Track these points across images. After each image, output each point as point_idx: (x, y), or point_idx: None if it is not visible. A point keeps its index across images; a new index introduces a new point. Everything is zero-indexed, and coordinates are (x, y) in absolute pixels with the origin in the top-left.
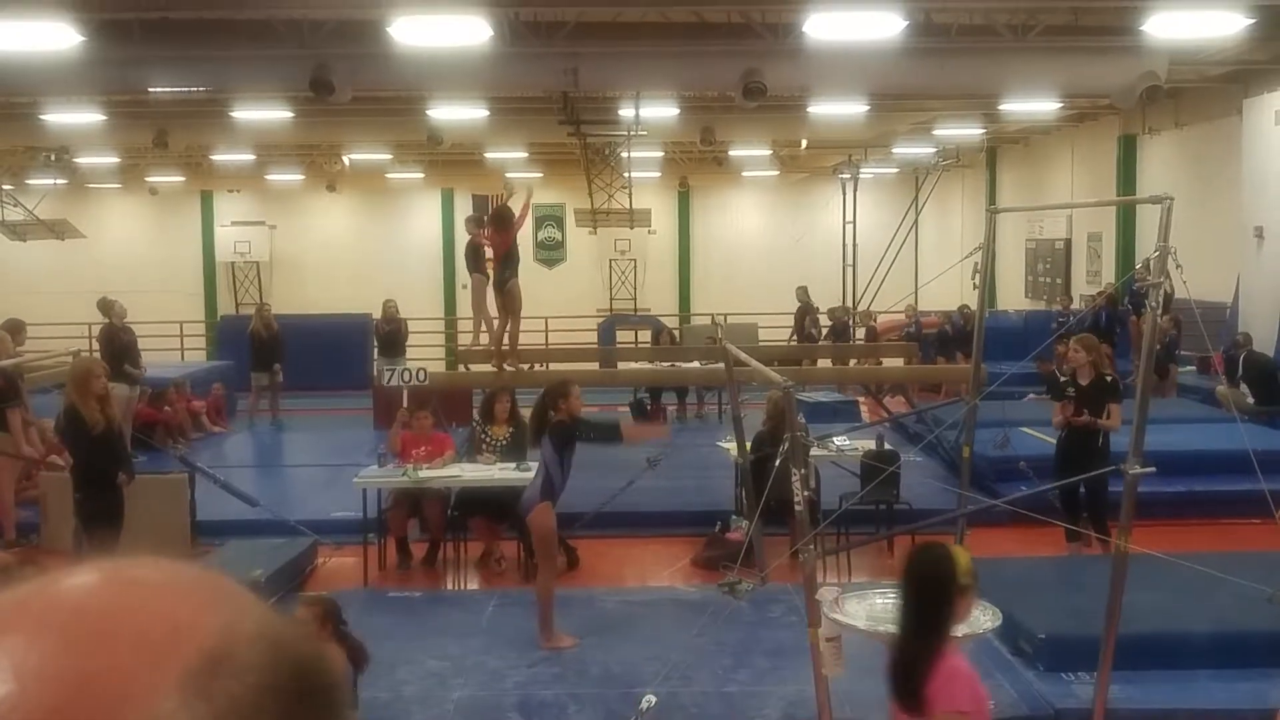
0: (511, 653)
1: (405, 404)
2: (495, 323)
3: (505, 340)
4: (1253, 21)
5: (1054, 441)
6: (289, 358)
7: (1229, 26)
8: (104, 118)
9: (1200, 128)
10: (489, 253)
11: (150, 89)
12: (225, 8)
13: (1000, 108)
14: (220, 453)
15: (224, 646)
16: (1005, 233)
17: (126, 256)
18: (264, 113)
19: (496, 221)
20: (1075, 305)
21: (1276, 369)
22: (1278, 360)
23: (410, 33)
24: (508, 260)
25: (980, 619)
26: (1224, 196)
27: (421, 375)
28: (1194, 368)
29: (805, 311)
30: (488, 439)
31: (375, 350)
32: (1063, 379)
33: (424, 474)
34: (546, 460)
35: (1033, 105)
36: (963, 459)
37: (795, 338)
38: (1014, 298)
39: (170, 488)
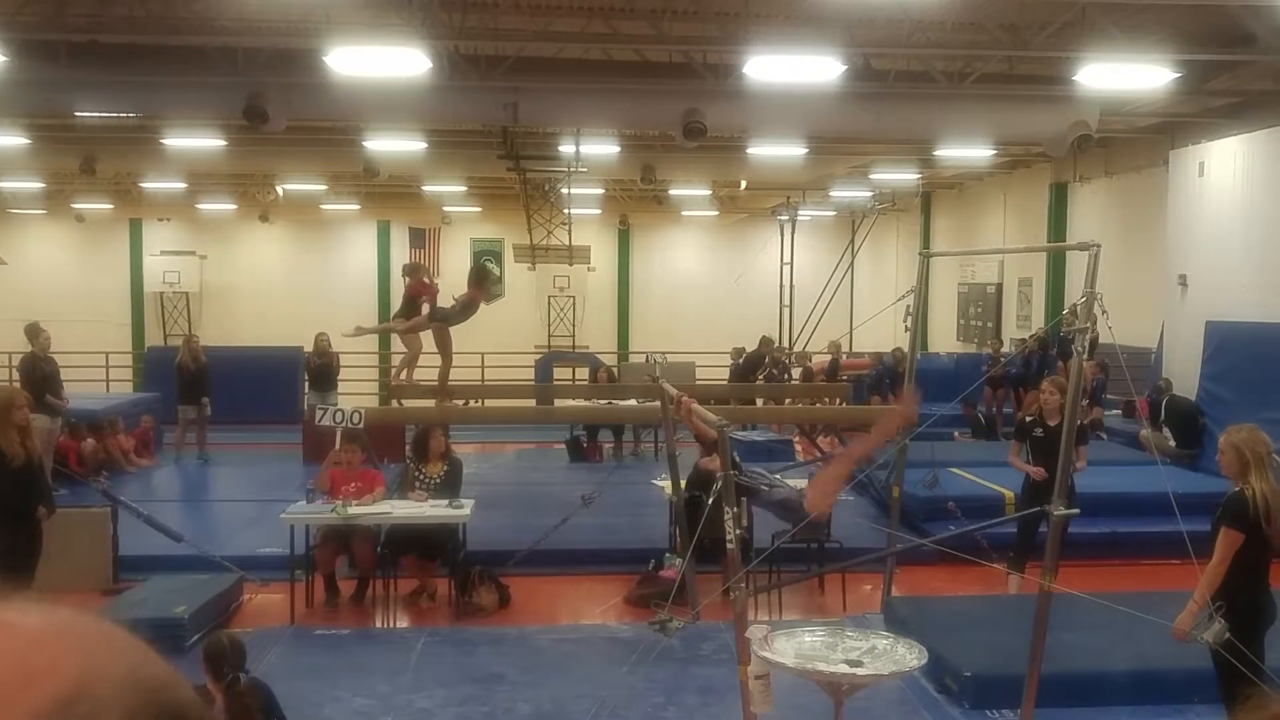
0: (441, 691)
1: (339, 444)
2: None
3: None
4: (1179, 76)
5: (981, 482)
6: (218, 390)
7: (1156, 79)
8: (28, 141)
9: (1129, 177)
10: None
11: (77, 113)
12: (157, 32)
13: (935, 153)
14: (145, 486)
15: (80, 691)
16: (938, 276)
17: (51, 285)
18: (196, 140)
19: (477, 278)
20: (1005, 349)
21: (1198, 413)
22: (1199, 405)
23: (347, 63)
24: (464, 311)
25: (906, 657)
26: (1150, 244)
27: (356, 417)
28: (1119, 411)
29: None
30: (421, 476)
31: (306, 384)
32: (1028, 419)
33: (354, 510)
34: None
35: (967, 151)
36: (892, 498)
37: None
38: (946, 340)
39: (92, 522)
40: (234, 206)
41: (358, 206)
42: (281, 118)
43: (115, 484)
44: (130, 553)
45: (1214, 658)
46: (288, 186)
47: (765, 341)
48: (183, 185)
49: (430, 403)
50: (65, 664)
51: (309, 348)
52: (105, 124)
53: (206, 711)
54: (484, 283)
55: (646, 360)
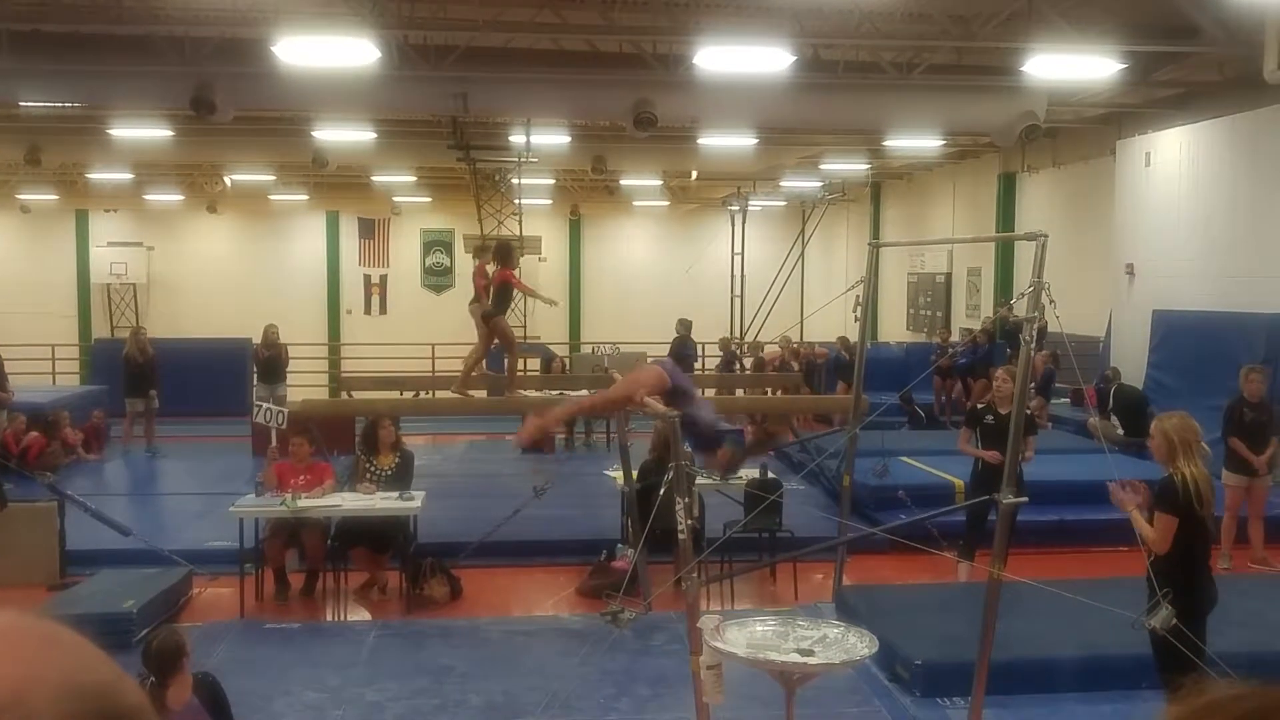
0: (392, 684)
1: (274, 442)
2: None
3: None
4: (1125, 67)
5: (931, 471)
6: (166, 383)
7: (1103, 70)
8: None
9: (1076, 167)
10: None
11: (21, 103)
12: (103, 22)
13: (885, 144)
14: (93, 480)
15: (13, 698)
16: (888, 266)
17: None
18: (143, 131)
19: (504, 257)
20: (954, 338)
21: (1145, 401)
22: (1146, 393)
23: (295, 53)
24: (503, 297)
25: (857, 645)
26: (1098, 234)
27: (280, 417)
28: (1067, 400)
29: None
30: (372, 468)
31: (255, 376)
32: (980, 406)
33: (303, 503)
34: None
35: (916, 142)
36: (843, 488)
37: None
38: (896, 330)
39: (39, 516)
40: (181, 197)
41: (306, 197)
42: (229, 108)
43: (62, 477)
44: (78, 547)
45: (1152, 643)
46: (236, 177)
47: (683, 324)
48: (129, 176)
49: (380, 394)
50: (3, 669)
51: (257, 339)
52: (50, 114)
53: (152, 716)
54: (509, 258)
55: (593, 351)
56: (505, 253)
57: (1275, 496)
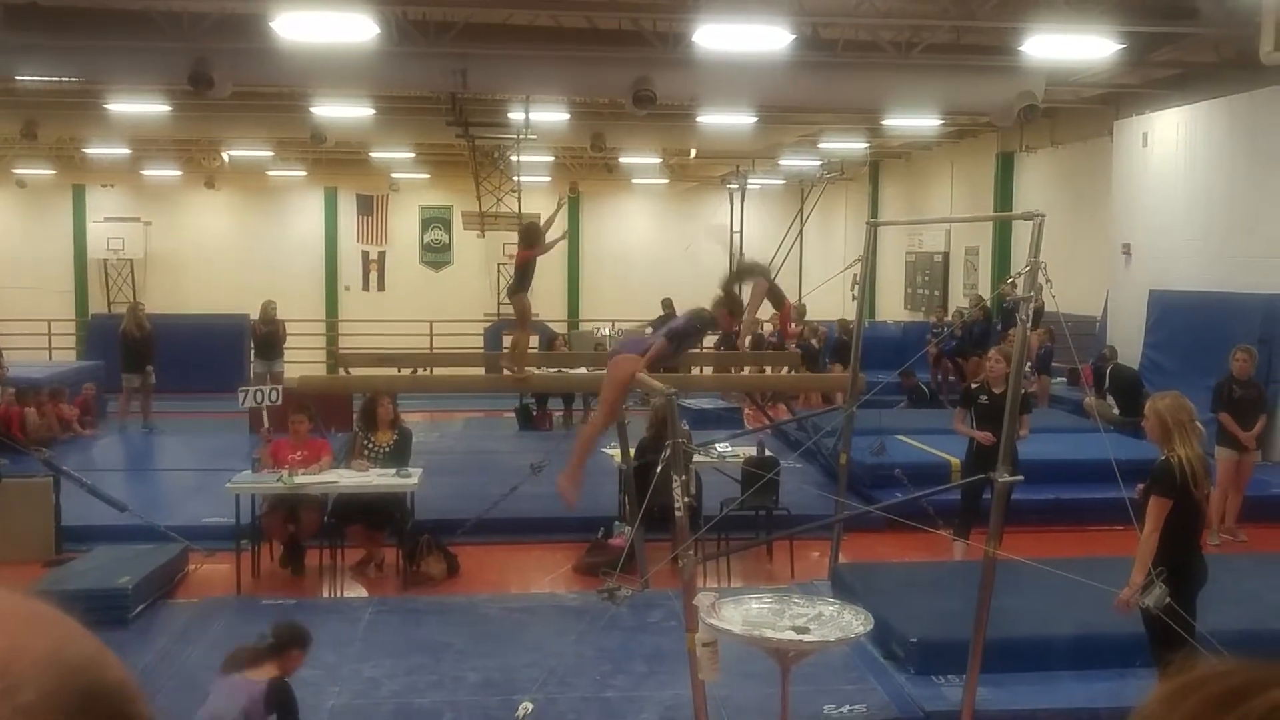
0: (388, 661)
1: (267, 424)
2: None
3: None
4: (1123, 47)
5: (927, 449)
6: (162, 359)
7: (1101, 50)
8: None
9: (1074, 147)
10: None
11: (17, 77)
12: None
13: (883, 123)
14: (89, 456)
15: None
16: (886, 245)
17: None
18: (140, 106)
19: (528, 240)
20: (949, 317)
21: (1140, 381)
22: (1142, 373)
23: (294, 28)
24: (522, 277)
25: (853, 623)
26: (1095, 214)
27: (275, 395)
28: (1064, 379)
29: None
30: (370, 445)
31: (252, 352)
32: (974, 386)
33: (300, 479)
34: (668, 332)
35: (915, 121)
36: (840, 466)
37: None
38: (894, 309)
39: (34, 492)
40: (179, 173)
41: (304, 173)
42: (227, 83)
43: (58, 453)
44: (73, 523)
45: (1145, 621)
46: (234, 153)
47: (666, 304)
48: (127, 151)
49: (378, 371)
50: None
51: (255, 315)
52: (47, 88)
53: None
54: (536, 242)
55: (593, 333)
56: (532, 234)
57: (1267, 475)
